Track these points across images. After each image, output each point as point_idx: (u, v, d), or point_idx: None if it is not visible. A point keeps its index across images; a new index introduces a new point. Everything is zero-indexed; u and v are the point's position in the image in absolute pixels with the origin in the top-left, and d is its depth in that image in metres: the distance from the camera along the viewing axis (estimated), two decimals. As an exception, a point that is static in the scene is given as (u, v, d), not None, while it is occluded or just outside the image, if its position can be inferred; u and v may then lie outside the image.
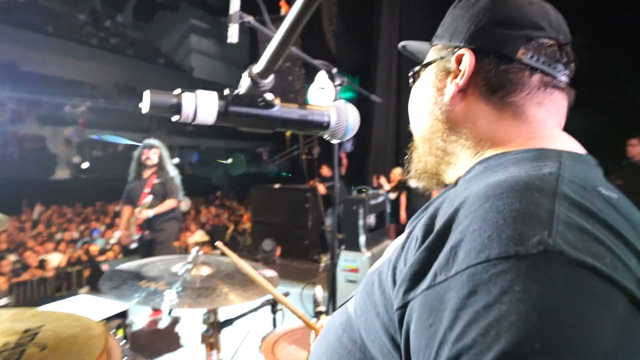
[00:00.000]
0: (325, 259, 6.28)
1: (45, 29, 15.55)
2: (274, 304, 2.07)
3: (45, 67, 15.76)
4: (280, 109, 0.64)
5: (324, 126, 0.69)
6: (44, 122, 14.57)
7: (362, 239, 4.64)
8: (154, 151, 4.14)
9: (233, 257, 0.89)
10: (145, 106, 0.58)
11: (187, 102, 0.58)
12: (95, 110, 16.36)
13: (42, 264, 6.58)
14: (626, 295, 0.40)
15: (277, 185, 8.11)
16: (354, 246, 4.56)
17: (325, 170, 7.44)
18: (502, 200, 0.48)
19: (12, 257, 6.87)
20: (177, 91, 0.59)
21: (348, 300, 0.73)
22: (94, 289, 5.93)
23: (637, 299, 0.40)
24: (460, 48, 0.68)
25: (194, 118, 0.59)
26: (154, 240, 4.16)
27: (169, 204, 4.14)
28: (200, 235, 9.44)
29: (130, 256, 6.60)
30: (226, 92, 0.61)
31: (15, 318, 0.70)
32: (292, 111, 0.66)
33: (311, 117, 0.68)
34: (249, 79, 0.60)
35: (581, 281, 0.40)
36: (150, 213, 3.99)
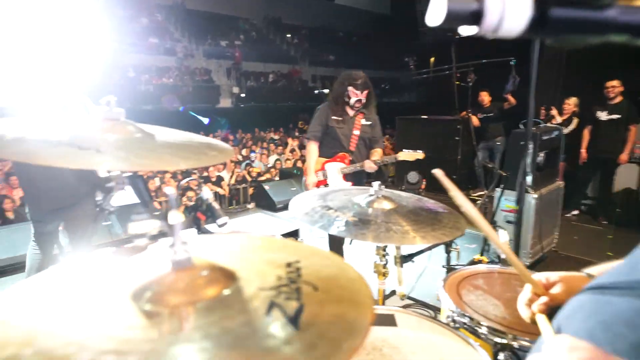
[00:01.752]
0: (481, 195, 5.88)
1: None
2: (448, 244, 1.97)
3: (207, 3, 17.28)
4: (620, 9, 0.44)
5: None
6: (209, 56, 16.26)
7: (529, 178, 4.12)
8: (365, 88, 3.09)
9: (454, 190, 0.77)
10: (436, 17, 0.45)
11: (492, 7, 0.43)
12: (249, 44, 17.55)
13: (219, 181, 7.68)
14: None
15: (424, 116, 7.69)
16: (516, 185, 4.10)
17: (485, 98, 6.68)
18: None
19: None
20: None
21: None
22: (258, 206, 6.73)
23: None
24: None
25: (498, 28, 0.44)
26: None
27: (379, 153, 3.21)
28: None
29: (287, 179, 7.23)
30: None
31: (268, 247, 0.71)
32: (631, 14, 0.45)
33: None
34: None
35: None
36: (374, 165, 3.13)
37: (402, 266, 1.72)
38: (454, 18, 0.44)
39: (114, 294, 0.52)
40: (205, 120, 13.41)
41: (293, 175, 7.49)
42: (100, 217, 1.18)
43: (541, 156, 4.49)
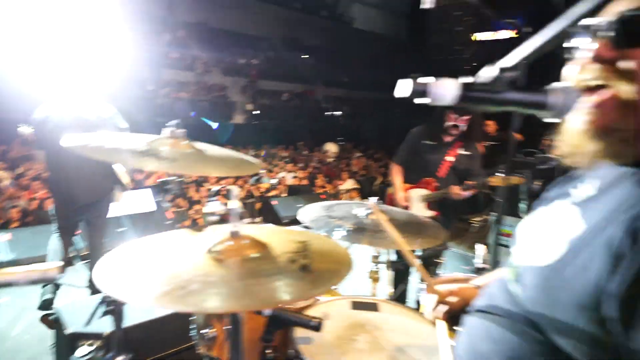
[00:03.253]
0: (479, 220, 6.12)
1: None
2: (435, 256, 2.26)
3: (229, 23, 18.04)
4: (509, 93, 0.73)
5: (548, 107, 0.72)
6: (226, 72, 16.88)
7: (523, 205, 4.39)
8: (466, 114, 2.75)
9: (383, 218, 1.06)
10: (403, 91, 0.76)
11: (434, 89, 0.75)
12: (266, 62, 18.18)
13: (227, 193, 8.01)
14: None
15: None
16: (512, 211, 4.36)
17: (491, 127, 6.93)
18: None
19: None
20: (425, 79, 0.76)
21: (497, 289, 0.79)
22: (265, 220, 7.04)
23: None
24: None
25: (437, 99, 0.76)
26: None
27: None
28: (351, 184, 10.09)
29: (294, 195, 7.56)
30: (463, 80, 0.76)
31: (288, 233, 1.03)
32: (518, 94, 0.75)
33: (536, 99, 0.73)
34: (498, 69, 0.72)
35: None
36: (462, 192, 2.86)
37: (392, 270, 2.01)
38: (415, 94, 0.76)
39: (198, 251, 0.85)
40: (215, 125, 14.06)
41: (300, 191, 7.82)
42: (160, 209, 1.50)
43: (537, 184, 4.76)
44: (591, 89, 0.68)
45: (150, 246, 0.88)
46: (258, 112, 16.15)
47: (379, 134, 16.52)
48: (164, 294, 0.67)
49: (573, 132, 0.71)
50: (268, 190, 9.25)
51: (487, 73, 0.73)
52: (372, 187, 10.25)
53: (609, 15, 0.67)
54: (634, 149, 0.66)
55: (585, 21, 0.69)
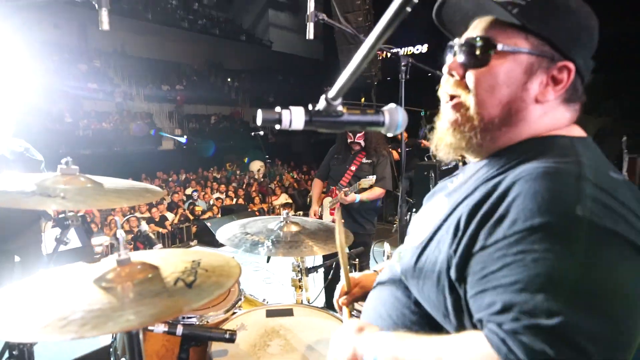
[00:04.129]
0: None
1: (146, 16, 16.95)
2: (350, 257, 2.39)
3: (148, 50, 17.37)
4: (346, 115, 0.88)
5: (380, 124, 0.91)
6: (150, 100, 16.23)
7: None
8: (360, 135, 3.23)
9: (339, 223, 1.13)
10: (258, 120, 0.86)
11: (285, 117, 0.85)
12: (191, 87, 17.76)
13: (162, 220, 7.68)
14: (633, 246, 0.59)
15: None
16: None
17: (404, 135, 7.39)
18: (541, 180, 0.62)
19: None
20: (278, 109, 0.85)
21: (394, 267, 0.90)
22: (201, 242, 6.85)
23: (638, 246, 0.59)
24: (565, 58, 0.74)
25: (290, 125, 0.86)
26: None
27: (378, 192, 3.21)
28: (284, 199, 10.15)
29: (228, 215, 7.44)
30: (309, 107, 0.87)
31: (182, 254, 1.07)
32: (355, 116, 0.89)
33: (370, 119, 0.90)
34: (324, 101, 0.84)
35: (605, 240, 0.59)
36: (357, 198, 3.13)
37: (307, 276, 2.10)
38: (266, 122, 0.85)
39: (85, 282, 0.86)
40: (183, 140, 13.55)
41: (235, 210, 7.72)
42: (56, 248, 1.44)
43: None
44: (451, 96, 0.84)
45: (40, 283, 0.88)
46: (186, 136, 15.68)
47: (309, 149, 16.82)
48: (45, 327, 0.68)
49: (441, 129, 0.87)
50: (203, 212, 9.01)
51: (321, 101, 0.85)
52: (305, 200, 10.39)
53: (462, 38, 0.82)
54: (483, 145, 0.81)
55: (451, 42, 0.85)
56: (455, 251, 0.69)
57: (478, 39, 0.77)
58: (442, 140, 0.87)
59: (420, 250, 0.78)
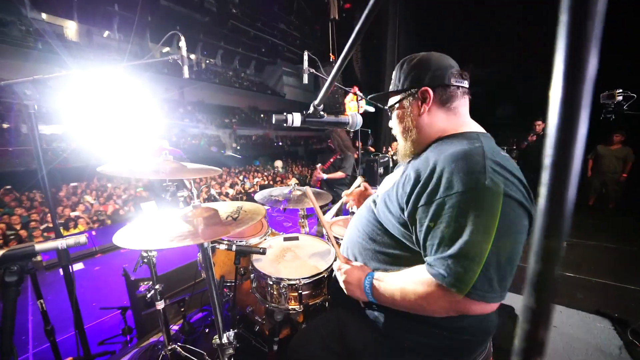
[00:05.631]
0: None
1: (214, 81, 16.33)
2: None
3: (216, 99, 16.77)
4: (327, 117, 0.81)
5: (347, 124, 0.83)
6: (218, 127, 15.66)
7: (379, 180, 4.69)
8: (327, 138, 3.23)
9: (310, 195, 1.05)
10: (273, 120, 0.78)
11: (289, 118, 0.78)
12: (240, 121, 17.26)
13: (226, 195, 7.43)
14: (519, 204, 0.56)
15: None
16: (372, 184, 4.62)
17: (360, 144, 7.25)
18: (459, 161, 0.57)
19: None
20: (285, 114, 0.78)
21: (370, 203, 0.83)
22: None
23: (524, 205, 0.55)
24: (421, 88, 0.70)
25: (292, 123, 0.79)
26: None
27: (338, 175, 3.16)
28: (294, 181, 9.99)
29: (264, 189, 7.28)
30: (304, 112, 0.80)
31: (232, 204, 0.98)
32: (332, 118, 0.83)
33: (341, 120, 0.82)
34: (313, 107, 0.77)
35: (504, 201, 0.54)
36: (324, 176, 3.16)
37: (306, 219, 2.03)
38: (278, 121, 0.78)
39: (177, 218, 0.78)
40: (239, 156, 12.89)
41: (266, 187, 7.55)
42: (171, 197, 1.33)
43: (381, 170, 5.09)
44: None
45: (159, 214, 0.80)
46: (239, 147, 15.27)
47: (308, 154, 16.64)
48: (170, 240, 0.61)
49: (399, 144, 0.79)
50: (249, 188, 8.88)
51: (311, 108, 0.78)
52: (304, 181, 10.29)
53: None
54: (414, 148, 0.73)
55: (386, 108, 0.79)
56: (407, 202, 0.63)
57: (388, 107, 0.77)
58: (399, 146, 0.80)
59: (388, 194, 0.72)
